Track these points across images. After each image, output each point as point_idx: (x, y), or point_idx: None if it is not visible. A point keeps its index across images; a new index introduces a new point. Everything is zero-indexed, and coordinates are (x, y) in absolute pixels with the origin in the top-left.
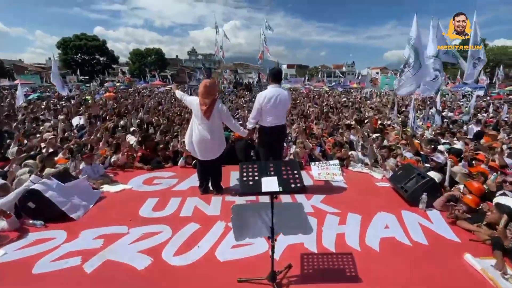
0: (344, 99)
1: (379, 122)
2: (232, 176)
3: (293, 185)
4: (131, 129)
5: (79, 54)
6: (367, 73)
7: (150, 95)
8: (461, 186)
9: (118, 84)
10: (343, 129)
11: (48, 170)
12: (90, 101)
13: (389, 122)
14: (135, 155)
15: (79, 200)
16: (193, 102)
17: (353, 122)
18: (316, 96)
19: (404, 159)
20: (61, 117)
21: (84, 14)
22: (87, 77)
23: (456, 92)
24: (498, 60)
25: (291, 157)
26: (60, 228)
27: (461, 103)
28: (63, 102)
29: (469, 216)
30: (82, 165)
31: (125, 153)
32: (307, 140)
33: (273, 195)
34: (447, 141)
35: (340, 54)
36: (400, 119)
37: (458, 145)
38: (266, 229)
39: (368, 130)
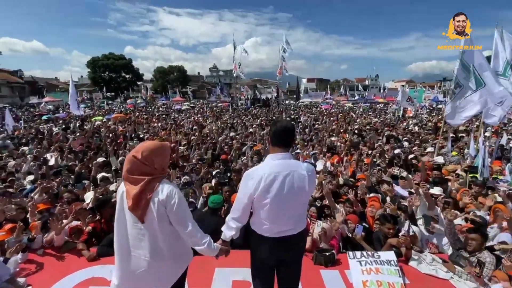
0: (374, 120)
1: (431, 161)
2: (217, 277)
3: None
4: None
5: (107, 72)
6: (402, 91)
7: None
8: None
9: (139, 101)
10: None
11: None
12: (96, 123)
13: (439, 159)
14: (84, 228)
15: None
16: (119, 190)
17: (403, 173)
18: (340, 115)
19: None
20: (28, 155)
21: (116, 35)
22: (113, 94)
23: None
24: None
25: (314, 236)
26: None
27: None
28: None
29: None
30: None
31: (63, 230)
32: (339, 207)
33: None
34: None
35: (362, 67)
36: (456, 156)
37: None
38: None
39: (420, 180)
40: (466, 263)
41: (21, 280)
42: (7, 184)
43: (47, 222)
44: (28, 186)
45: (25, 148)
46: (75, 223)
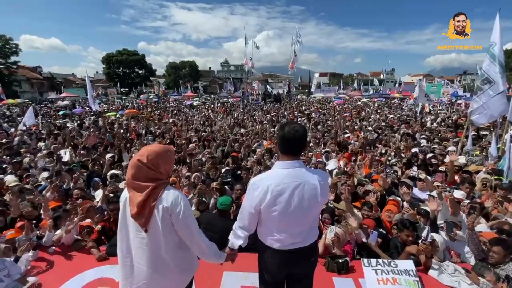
0: (391, 116)
1: (456, 164)
2: (225, 280)
3: None
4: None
5: (121, 68)
6: (419, 86)
7: (173, 111)
8: None
9: (151, 96)
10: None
11: None
12: (111, 118)
13: (461, 160)
14: (93, 226)
15: None
16: (122, 197)
17: (421, 174)
18: (354, 111)
19: None
20: (44, 151)
21: (130, 31)
22: (127, 89)
23: None
24: None
25: (326, 242)
26: None
27: None
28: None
29: None
30: None
31: (73, 228)
32: (357, 211)
33: None
34: None
35: (377, 60)
36: (478, 155)
37: None
38: None
39: (444, 183)
40: (492, 276)
41: (32, 278)
42: (23, 180)
43: (58, 219)
44: (43, 183)
45: (41, 143)
46: (86, 221)
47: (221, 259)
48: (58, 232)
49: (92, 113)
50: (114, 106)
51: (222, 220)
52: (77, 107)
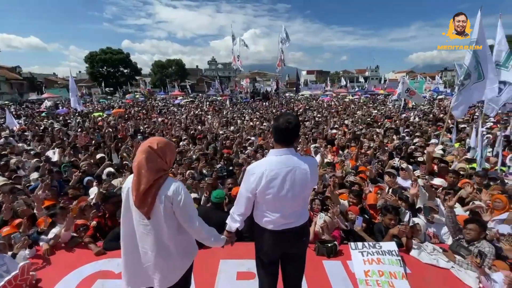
0: (375, 112)
1: (434, 154)
2: (222, 268)
3: None
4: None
5: (105, 67)
6: (403, 82)
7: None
8: None
9: (138, 95)
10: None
11: None
12: (96, 119)
13: (438, 151)
14: (89, 223)
15: None
16: (124, 187)
17: (403, 164)
18: (340, 108)
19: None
20: (31, 152)
21: (113, 28)
22: (112, 89)
23: None
24: None
25: (316, 228)
26: None
27: None
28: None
29: None
30: None
31: (71, 226)
32: (342, 201)
33: None
34: None
35: (362, 58)
36: (457, 146)
37: None
38: None
39: (424, 173)
40: (467, 253)
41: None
42: (12, 181)
43: (54, 216)
44: (33, 183)
45: (21, 144)
46: (81, 220)
47: (221, 242)
48: (55, 229)
49: (77, 114)
50: (98, 106)
51: (217, 213)
52: (60, 108)
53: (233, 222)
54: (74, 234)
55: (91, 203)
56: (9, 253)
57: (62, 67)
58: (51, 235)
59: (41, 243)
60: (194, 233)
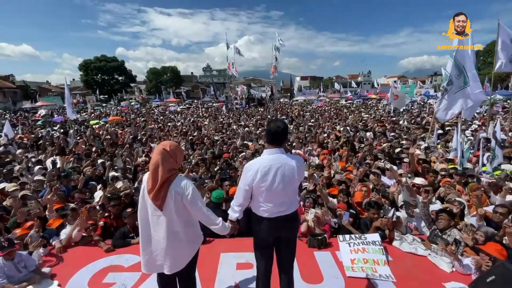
0: (366, 116)
1: (419, 156)
2: (222, 260)
3: None
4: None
5: (99, 75)
6: (391, 89)
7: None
8: None
9: (133, 103)
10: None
11: None
12: (94, 126)
13: (418, 152)
14: (97, 222)
15: None
16: (142, 186)
17: (387, 165)
18: (333, 113)
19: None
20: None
21: (107, 36)
22: (106, 96)
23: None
24: None
25: (309, 223)
26: None
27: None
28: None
29: None
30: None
31: (84, 226)
32: (331, 199)
33: None
34: None
35: (355, 63)
36: (439, 148)
37: None
38: None
39: (407, 172)
40: (442, 242)
41: (45, 270)
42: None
43: (65, 217)
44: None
45: (20, 151)
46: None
47: (228, 228)
48: (65, 230)
49: (75, 122)
50: (93, 114)
51: (218, 212)
52: (55, 115)
53: (233, 213)
54: (84, 234)
55: (96, 206)
56: (24, 252)
57: (55, 75)
58: (62, 235)
59: (53, 242)
60: (203, 220)
